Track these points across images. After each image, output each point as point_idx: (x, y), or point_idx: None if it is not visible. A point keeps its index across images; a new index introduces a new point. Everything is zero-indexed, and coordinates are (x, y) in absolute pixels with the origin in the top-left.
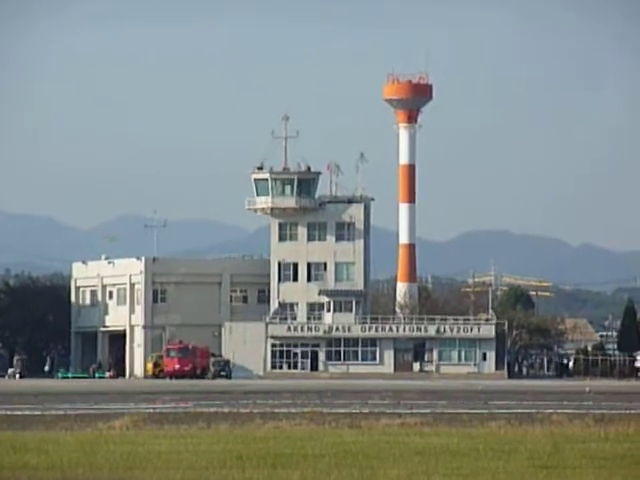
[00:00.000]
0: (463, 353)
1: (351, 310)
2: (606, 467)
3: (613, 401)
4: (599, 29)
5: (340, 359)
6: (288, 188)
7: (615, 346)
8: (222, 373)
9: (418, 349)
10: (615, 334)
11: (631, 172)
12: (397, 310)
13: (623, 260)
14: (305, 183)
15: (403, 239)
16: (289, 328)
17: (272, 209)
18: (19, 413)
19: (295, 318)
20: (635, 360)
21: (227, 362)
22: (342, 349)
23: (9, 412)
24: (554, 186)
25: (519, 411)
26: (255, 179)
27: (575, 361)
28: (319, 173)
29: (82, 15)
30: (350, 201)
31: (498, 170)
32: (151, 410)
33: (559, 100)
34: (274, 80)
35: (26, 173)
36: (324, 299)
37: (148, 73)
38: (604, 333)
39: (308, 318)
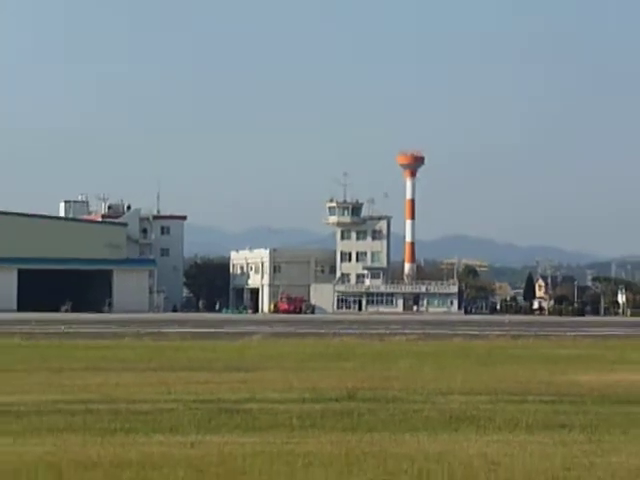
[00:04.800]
0: (441, 301)
1: (379, 278)
2: (519, 362)
3: (521, 326)
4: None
5: (374, 304)
6: (346, 212)
7: (522, 297)
8: (309, 311)
9: (416, 299)
10: (522, 291)
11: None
12: (405, 278)
13: (527, 250)
14: (355, 209)
15: (408, 239)
16: (346, 287)
17: (337, 223)
18: (200, 331)
19: (349, 281)
20: (532, 305)
21: (313, 305)
22: (375, 299)
23: (194, 330)
24: (494, 205)
25: (470, 332)
26: (328, 206)
27: (501, 305)
28: (362, 203)
29: None
30: (379, 218)
31: (462, 201)
32: (272, 330)
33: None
34: (335, 146)
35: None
36: (365, 272)
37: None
38: (517, 290)
39: (356, 282)
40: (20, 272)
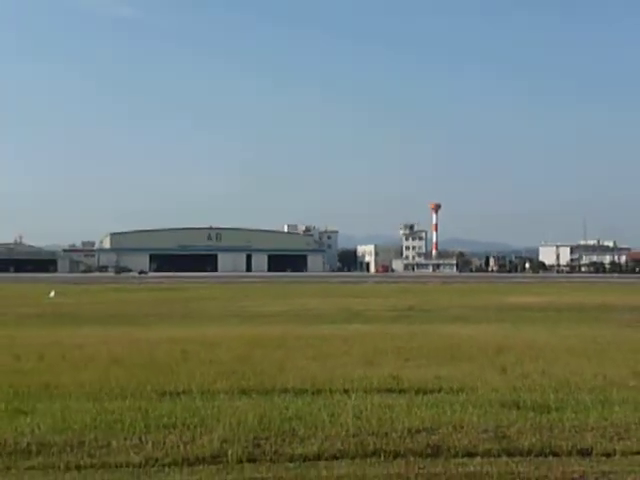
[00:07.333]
0: (448, 268)
1: (422, 257)
2: (484, 293)
3: (483, 279)
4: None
5: (419, 269)
6: (407, 228)
7: (484, 265)
8: (391, 272)
9: (438, 267)
10: (484, 262)
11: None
12: (432, 257)
13: (485, 243)
14: (411, 227)
15: (434, 240)
16: (407, 261)
17: (403, 233)
18: (344, 279)
19: (409, 259)
20: (488, 269)
21: (393, 269)
22: (420, 266)
23: (341, 279)
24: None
25: (461, 281)
26: (400, 226)
27: (474, 269)
28: (414, 224)
29: None
30: (421, 231)
31: (461, 217)
32: (375, 280)
33: None
34: (398, 195)
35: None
36: (415, 255)
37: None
38: (481, 262)
39: (412, 259)
40: (269, 256)
